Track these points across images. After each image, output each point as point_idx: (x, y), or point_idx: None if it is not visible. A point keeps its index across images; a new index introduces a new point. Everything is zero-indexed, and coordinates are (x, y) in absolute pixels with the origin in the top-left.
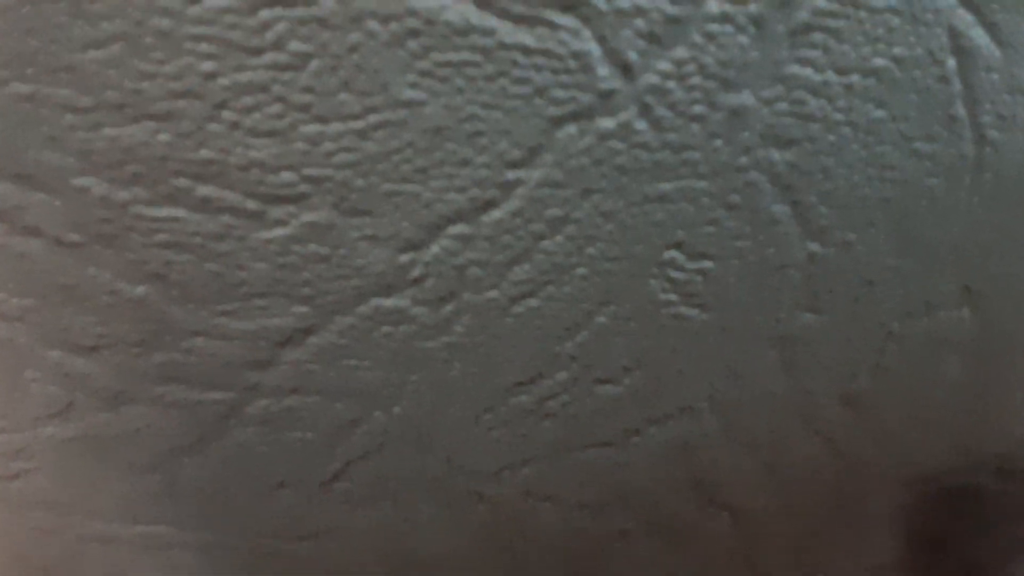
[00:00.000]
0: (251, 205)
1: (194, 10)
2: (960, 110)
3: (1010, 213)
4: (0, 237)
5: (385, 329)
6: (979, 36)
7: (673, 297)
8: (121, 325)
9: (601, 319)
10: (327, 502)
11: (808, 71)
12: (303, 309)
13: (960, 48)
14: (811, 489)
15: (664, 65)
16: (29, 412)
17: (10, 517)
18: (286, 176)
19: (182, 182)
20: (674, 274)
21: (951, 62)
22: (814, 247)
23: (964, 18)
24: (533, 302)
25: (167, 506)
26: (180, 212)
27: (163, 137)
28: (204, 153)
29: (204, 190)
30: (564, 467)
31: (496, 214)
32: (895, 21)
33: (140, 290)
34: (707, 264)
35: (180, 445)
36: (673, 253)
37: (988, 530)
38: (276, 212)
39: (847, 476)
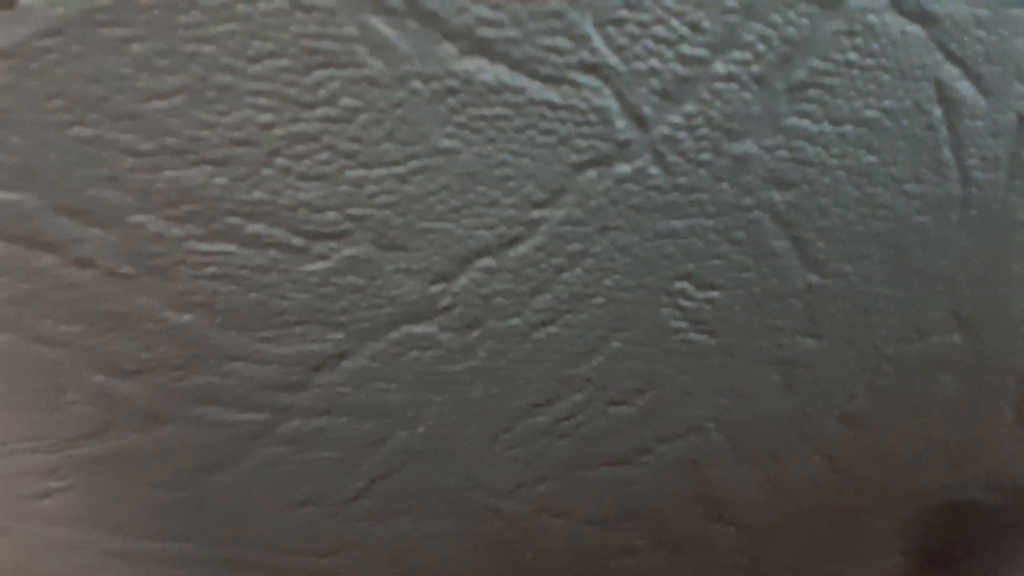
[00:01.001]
0: (296, 241)
1: (255, 68)
2: (947, 154)
3: (996, 245)
4: (53, 268)
5: (413, 354)
6: (964, 87)
7: (683, 324)
8: (164, 350)
9: (615, 344)
10: (349, 519)
11: (805, 122)
12: (338, 336)
13: (946, 98)
14: (812, 505)
15: (675, 118)
16: (66, 433)
17: (35, 533)
18: (331, 215)
19: (234, 220)
20: (684, 303)
21: (937, 112)
22: (813, 278)
23: (950, 71)
24: (552, 329)
25: (194, 522)
26: (230, 247)
27: (219, 180)
28: (256, 195)
29: (254, 227)
30: (577, 485)
31: (521, 249)
32: (884, 77)
33: (186, 318)
34: (714, 294)
35: (211, 463)
36: (683, 284)
37: (983, 544)
38: (319, 247)
39: (847, 492)
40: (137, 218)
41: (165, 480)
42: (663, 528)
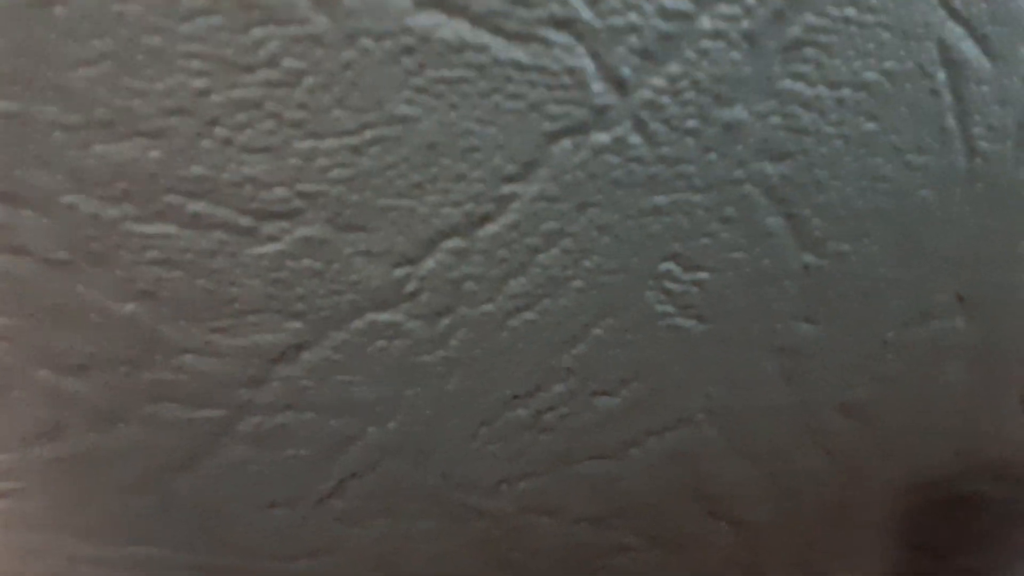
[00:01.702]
0: (244, 221)
1: (186, 28)
2: (951, 122)
3: (1002, 223)
4: None
5: (380, 344)
6: (969, 49)
7: (670, 308)
8: (111, 344)
9: (598, 331)
10: (322, 520)
11: (800, 85)
12: (297, 325)
13: (950, 61)
14: (812, 500)
15: (658, 81)
16: (17, 432)
17: (4, 535)
18: (279, 192)
19: (173, 199)
20: (670, 286)
21: (941, 75)
22: (809, 258)
23: (954, 31)
24: (529, 315)
25: (159, 526)
26: (171, 229)
27: (154, 154)
28: (196, 170)
29: (196, 206)
30: (563, 480)
31: (492, 228)
32: (885, 36)
33: (130, 308)
34: (703, 275)
35: (172, 464)
36: (669, 265)
37: (987, 537)
38: (269, 228)
39: (848, 486)
40: (69, 199)
41: (127, 482)
42: (656, 525)
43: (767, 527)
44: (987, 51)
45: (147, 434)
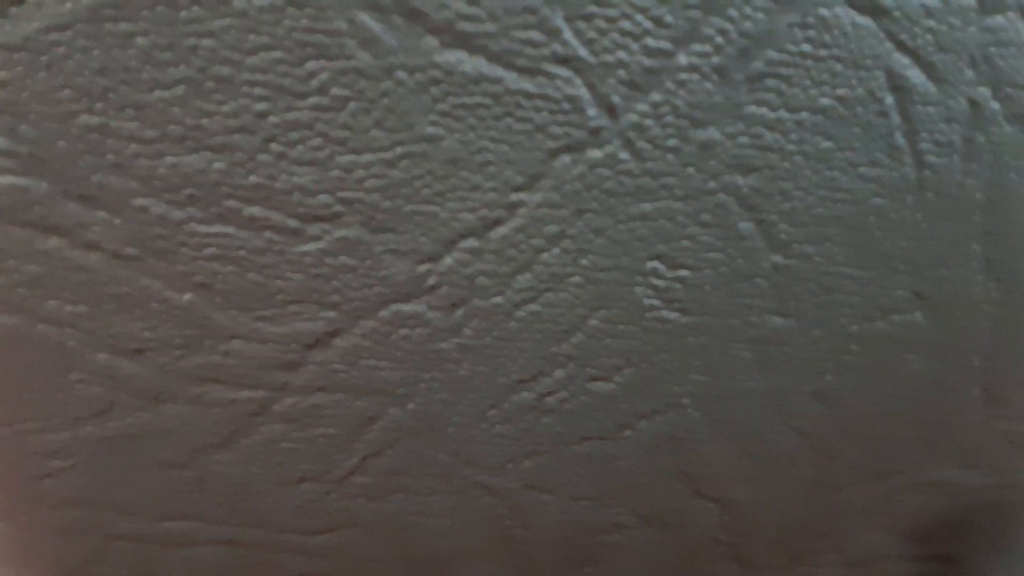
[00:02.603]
0: (291, 223)
1: (251, 60)
2: (900, 139)
3: (953, 227)
4: (61, 251)
5: (403, 332)
6: (915, 75)
7: (656, 302)
8: (166, 330)
9: (594, 322)
10: (345, 496)
11: (764, 110)
12: (331, 314)
13: (897, 86)
14: (791, 481)
15: (643, 107)
16: (71, 412)
17: (39, 515)
18: (323, 198)
19: (232, 203)
20: (656, 282)
21: (890, 99)
22: (778, 258)
23: (900, 61)
24: (534, 307)
25: (196, 501)
26: (229, 229)
27: (218, 165)
28: (253, 179)
29: (251, 210)
30: (563, 460)
31: (502, 230)
32: (838, 67)
33: (187, 298)
34: (684, 273)
35: (212, 442)
36: (655, 264)
37: (960, 524)
38: (313, 229)
39: (823, 468)
40: (141, 202)
41: (168, 459)
42: (647, 503)
43: (749, 507)
44: (932, 76)
45: (192, 413)
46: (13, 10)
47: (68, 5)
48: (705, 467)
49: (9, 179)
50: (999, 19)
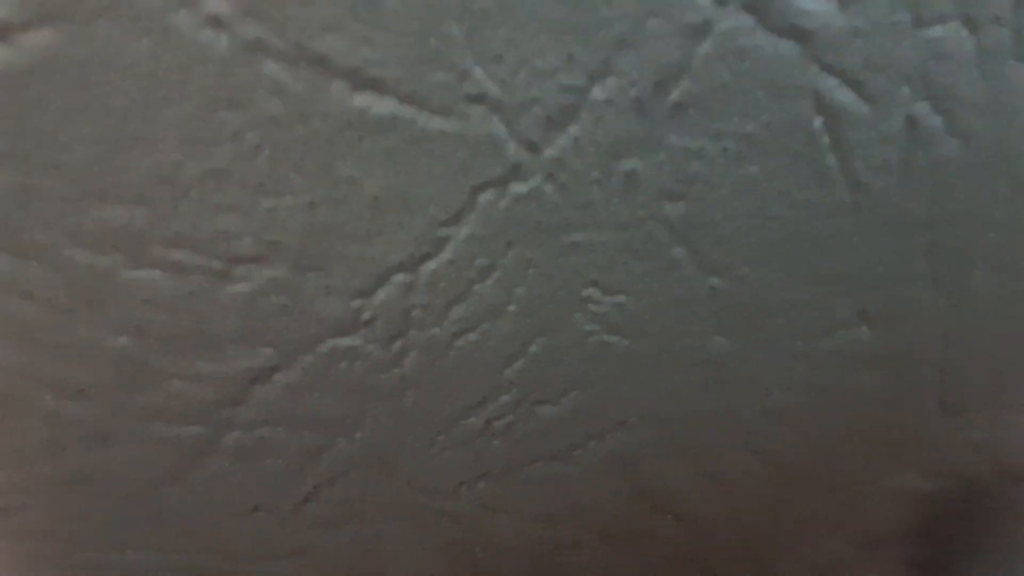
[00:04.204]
0: (217, 265)
1: (164, 114)
2: (831, 161)
3: (895, 246)
4: None
5: (343, 365)
6: (844, 96)
7: (595, 327)
8: (106, 373)
9: (534, 348)
10: (299, 524)
11: (686, 140)
12: (268, 351)
13: (825, 108)
14: (747, 496)
15: (562, 141)
16: (21, 452)
17: (2, 548)
18: (247, 241)
19: (158, 250)
20: (593, 308)
21: (817, 122)
22: (714, 281)
23: (827, 83)
24: (472, 336)
25: (150, 532)
26: (156, 275)
27: (140, 215)
28: (176, 226)
29: (176, 255)
30: (517, 482)
31: (432, 265)
32: (760, 94)
33: (122, 341)
34: (621, 299)
35: (161, 476)
36: (591, 290)
37: (924, 530)
38: (240, 270)
39: (778, 483)
40: (70, 253)
41: (121, 493)
42: (604, 521)
43: (711, 522)
44: (864, 96)
45: (138, 450)
46: None
47: None
48: (660, 484)
49: None
50: (938, 30)
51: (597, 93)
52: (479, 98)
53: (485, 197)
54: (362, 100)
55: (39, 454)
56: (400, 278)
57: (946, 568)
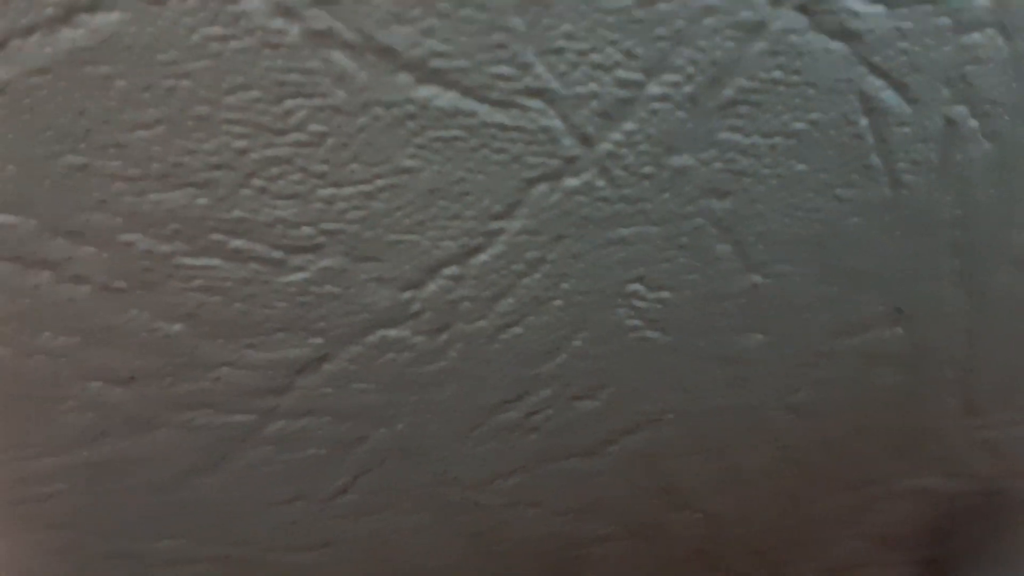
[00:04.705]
0: (275, 254)
1: (229, 100)
2: (875, 160)
3: (929, 243)
4: (50, 284)
5: (388, 356)
6: (889, 97)
7: (637, 323)
8: (156, 359)
9: (576, 343)
10: (334, 515)
11: (737, 136)
12: (318, 341)
13: (871, 108)
14: (768, 493)
15: (616, 136)
16: (66, 438)
17: (36, 538)
18: (305, 230)
19: (217, 237)
20: (637, 303)
21: (864, 121)
22: (755, 278)
23: (874, 83)
24: (517, 330)
25: (187, 522)
26: (214, 261)
27: (201, 201)
28: (236, 213)
29: (236, 243)
30: (547, 476)
31: (482, 257)
32: (810, 92)
33: (175, 328)
34: (665, 294)
35: (201, 465)
36: (635, 286)
37: (943, 530)
38: (296, 260)
39: (798, 480)
40: (127, 237)
41: (159, 481)
42: (629, 516)
43: (729, 518)
44: (907, 97)
45: (183, 438)
46: None
47: (48, 50)
48: (685, 480)
49: None
50: (976, 36)
51: (653, 88)
52: (538, 91)
53: (538, 190)
54: (425, 92)
55: (81, 440)
56: (451, 270)
57: (961, 568)
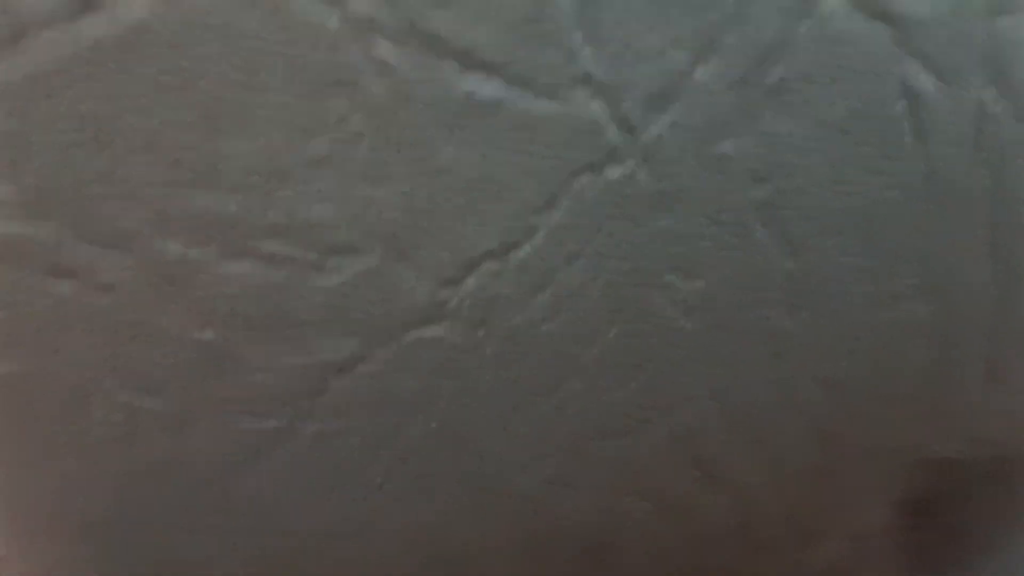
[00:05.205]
0: (311, 256)
1: (265, 96)
2: (910, 141)
3: (959, 216)
4: (75, 293)
5: (425, 354)
6: (926, 79)
7: (674, 313)
8: (188, 366)
9: (612, 334)
10: (370, 503)
11: (779, 121)
12: (353, 341)
13: (909, 90)
14: (797, 464)
15: (661, 124)
16: (96, 446)
17: (67, 547)
18: (343, 231)
19: (251, 241)
20: (674, 293)
21: (901, 104)
22: (791, 261)
23: (912, 66)
24: (554, 324)
25: (223, 522)
26: (247, 266)
27: (234, 202)
28: (271, 215)
29: (270, 246)
30: (583, 457)
31: (522, 252)
32: (851, 75)
33: (207, 335)
34: (700, 283)
35: (236, 467)
36: (672, 276)
37: (967, 496)
38: (333, 261)
39: (827, 451)
40: (155, 242)
41: (192, 481)
42: (664, 494)
43: (760, 491)
44: (943, 79)
45: (216, 441)
46: (11, 48)
47: (69, 42)
48: (717, 454)
49: (16, 225)
50: (1008, 20)
51: (700, 74)
52: (584, 80)
53: (580, 182)
54: (470, 83)
55: (112, 448)
56: (489, 266)
57: (978, 532)
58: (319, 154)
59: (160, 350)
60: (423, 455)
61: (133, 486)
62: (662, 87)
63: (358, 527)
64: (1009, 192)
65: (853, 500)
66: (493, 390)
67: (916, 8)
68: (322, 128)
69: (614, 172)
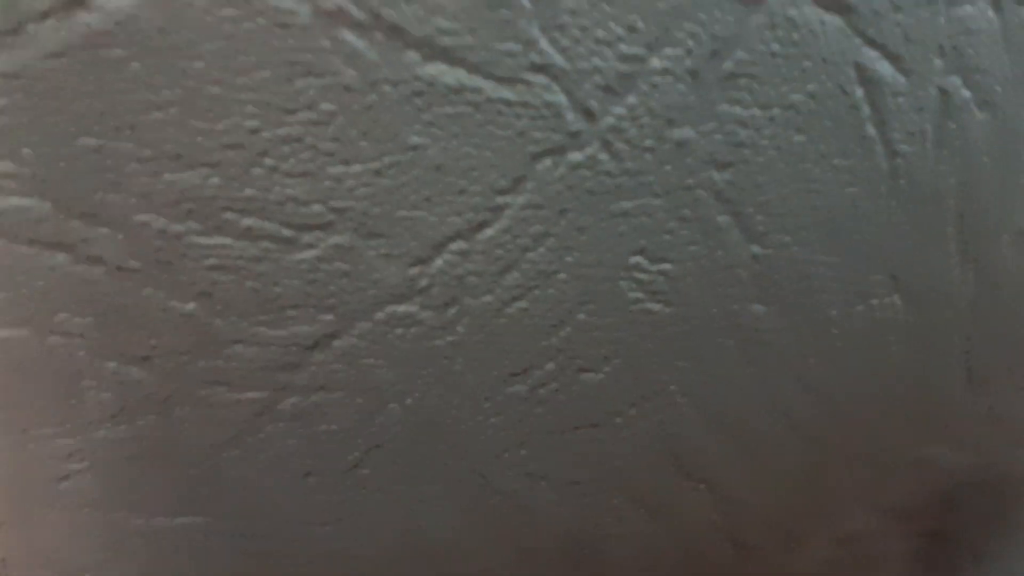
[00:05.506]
0: (286, 232)
1: (241, 80)
2: (871, 130)
3: (927, 212)
4: (66, 266)
5: (398, 331)
6: (884, 68)
7: (640, 295)
8: (171, 337)
9: (581, 316)
10: (348, 488)
11: (737, 108)
12: (328, 317)
13: (866, 79)
14: (778, 464)
15: (619, 110)
16: (84, 417)
17: (56, 519)
18: (316, 208)
19: (229, 216)
20: (639, 275)
21: (859, 92)
22: (756, 249)
23: (868, 54)
24: (523, 304)
25: (206, 498)
26: (227, 240)
27: (214, 180)
28: (248, 192)
29: (247, 221)
30: (556, 448)
31: (489, 232)
32: (807, 64)
33: (189, 306)
34: (667, 266)
35: (219, 441)
36: (637, 258)
37: (950, 501)
38: (307, 237)
39: (808, 452)
40: (141, 217)
41: (177, 459)
42: (640, 488)
43: (739, 490)
44: (901, 68)
45: (199, 415)
46: (10, 40)
47: (63, 34)
48: (694, 451)
49: (14, 200)
50: (968, 8)
51: (655, 63)
52: (543, 67)
53: (543, 165)
54: (432, 69)
55: (100, 419)
56: (458, 245)
57: (966, 538)
58: (292, 133)
59: (146, 323)
60: (398, 441)
61: (123, 459)
62: (618, 75)
63: (334, 513)
64: (976, 184)
65: (838, 502)
66: (466, 374)
67: None
68: (294, 109)
69: (576, 156)
